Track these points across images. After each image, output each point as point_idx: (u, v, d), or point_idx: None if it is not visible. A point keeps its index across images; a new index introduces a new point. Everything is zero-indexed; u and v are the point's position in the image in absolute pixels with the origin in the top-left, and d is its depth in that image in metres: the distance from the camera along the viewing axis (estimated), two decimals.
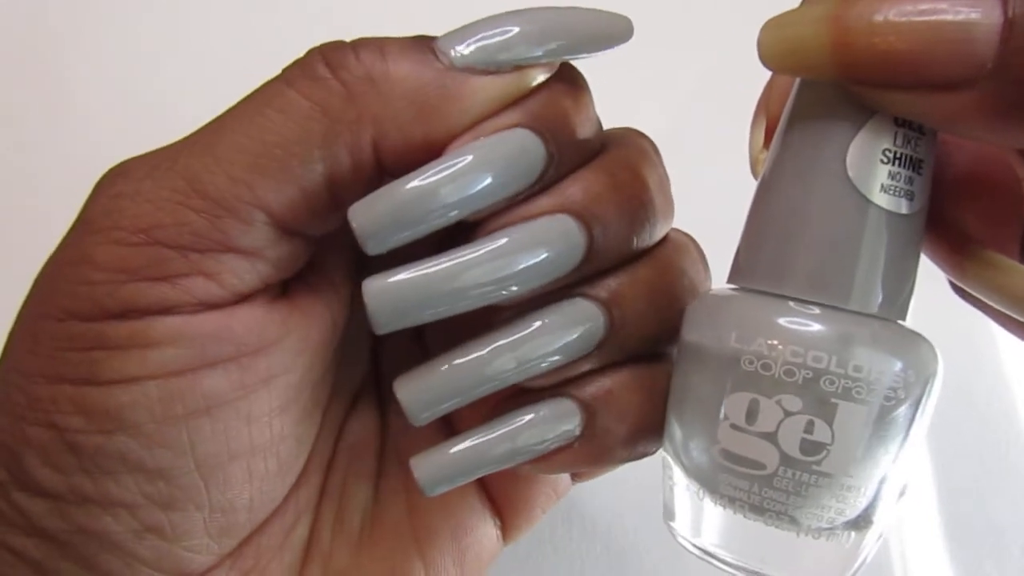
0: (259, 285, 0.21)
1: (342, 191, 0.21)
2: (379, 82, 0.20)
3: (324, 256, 0.23)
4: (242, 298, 0.21)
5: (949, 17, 0.16)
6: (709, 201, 0.28)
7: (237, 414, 0.21)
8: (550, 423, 0.22)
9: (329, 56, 0.21)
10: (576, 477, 0.28)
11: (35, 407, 0.20)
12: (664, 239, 0.24)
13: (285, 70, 0.21)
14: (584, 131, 0.22)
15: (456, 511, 0.26)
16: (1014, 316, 0.20)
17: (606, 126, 0.24)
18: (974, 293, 0.21)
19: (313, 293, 0.23)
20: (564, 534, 0.39)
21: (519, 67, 0.21)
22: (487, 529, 0.27)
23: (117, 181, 0.21)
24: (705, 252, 0.25)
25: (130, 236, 0.20)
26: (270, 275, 0.21)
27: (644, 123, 0.25)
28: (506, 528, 0.27)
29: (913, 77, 0.17)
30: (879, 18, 0.17)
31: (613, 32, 0.22)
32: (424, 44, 0.21)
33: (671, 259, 0.23)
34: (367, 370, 0.28)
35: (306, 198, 0.21)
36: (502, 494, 0.27)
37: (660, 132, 0.25)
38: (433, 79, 0.20)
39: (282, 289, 0.22)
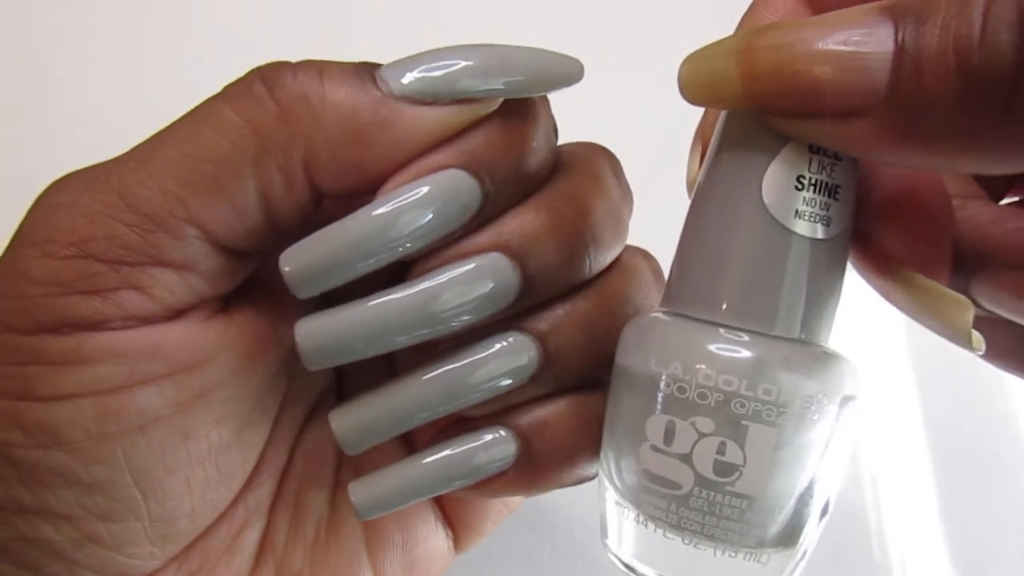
0: (193, 300, 0.21)
1: (277, 211, 0.21)
2: (314, 104, 0.21)
3: (269, 272, 0.23)
4: (175, 314, 0.21)
5: (845, 48, 0.17)
6: None
7: (173, 430, 0.21)
8: (485, 452, 0.23)
9: (267, 75, 0.21)
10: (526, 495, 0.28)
11: None
12: (614, 263, 0.24)
13: (226, 87, 0.21)
14: (526, 166, 0.22)
15: (409, 523, 0.27)
16: (937, 334, 0.21)
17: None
18: (901, 312, 0.21)
19: (255, 308, 0.23)
20: (564, 534, 0.39)
21: (459, 101, 0.21)
22: (438, 540, 0.27)
23: (56, 194, 0.21)
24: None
25: (62, 249, 0.20)
26: (204, 290, 0.22)
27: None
28: (457, 539, 0.28)
29: (815, 106, 0.17)
30: (784, 51, 0.17)
31: (561, 74, 0.22)
32: (365, 71, 0.21)
33: (615, 287, 0.24)
34: (328, 380, 0.28)
35: (239, 215, 0.21)
36: (455, 507, 0.28)
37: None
38: (368, 106, 0.21)
39: (221, 305, 0.23)
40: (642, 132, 0.39)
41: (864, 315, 0.44)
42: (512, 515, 0.39)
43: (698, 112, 0.23)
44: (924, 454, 0.41)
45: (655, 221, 0.26)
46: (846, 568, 0.39)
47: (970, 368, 0.43)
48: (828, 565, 0.39)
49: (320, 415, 0.27)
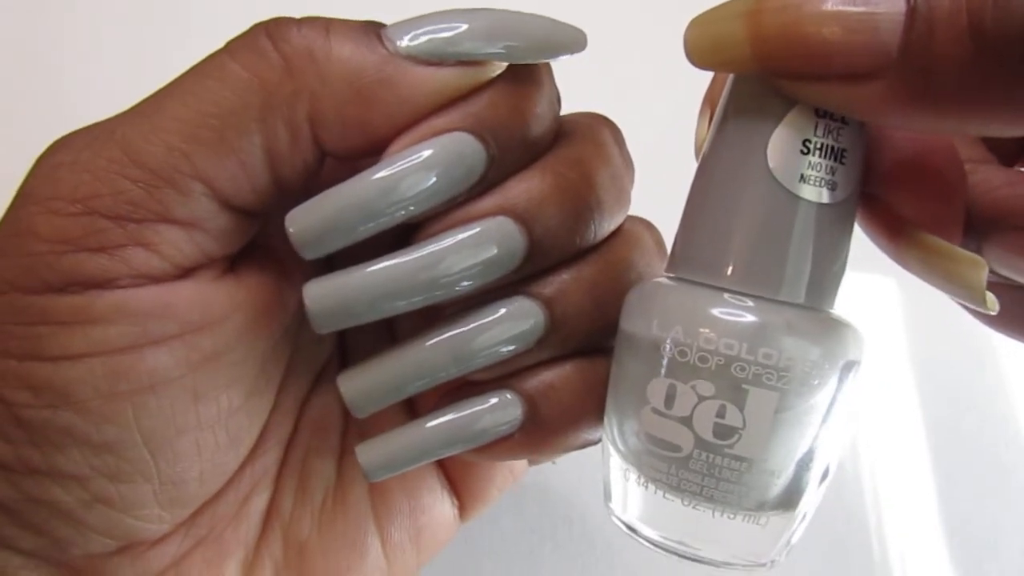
0: (201, 259, 0.21)
1: (282, 168, 0.21)
2: (319, 59, 0.20)
3: (274, 235, 0.23)
4: (184, 272, 0.21)
5: (856, 8, 0.17)
6: None
7: (183, 391, 0.21)
8: (491, 414, 0.23)
9: (272, 30, 0.21)
10: (531, 461, 0.28)
11: None
12: (617, 231, 0.24)
13: (229, 42, 0.21)
14: (531, 130, 0.22)
15: (415, 491, 0.27)
16: (951, 297, 0.20)
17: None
18: (914, 275, 0.21)
19: (262, 272, 0.23)
20: (564, 534, 0.39)
21: (463, 63, 0.21)
22: (444, 508, 0.27)
23: (57, 152, 0.21)
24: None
25: (68, 206, 0.20)
26: (212, 249, 0.21)
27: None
28: (463, 508, 0.28)
29: (824, 68, 0.17)
30: (792, 12, 0.17)
31: (563, 42, 0.22)
32: (371, 29, 0.21)
33: (619, 254, 0.24)
34: (333, 348, 0.28)
35: (245, 171, 0.21)
36: (460, 475, 0.28)
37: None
38: (374, 63, 0.20)
39: (229, 266, 0.23)
40: (645, 105, 0.39)
41: (863, 316, 0.44)
42: (513, 515, 0.39)
43: (702, 83, 0.23)
44: (924, 453, 0.41)
45: (658, 194, 0.26)
46: (846, 567, 0.39)
47: (970, 367, 0.43)
48: (828, 564, 0.39)
49: (324, 385, 0.27)
